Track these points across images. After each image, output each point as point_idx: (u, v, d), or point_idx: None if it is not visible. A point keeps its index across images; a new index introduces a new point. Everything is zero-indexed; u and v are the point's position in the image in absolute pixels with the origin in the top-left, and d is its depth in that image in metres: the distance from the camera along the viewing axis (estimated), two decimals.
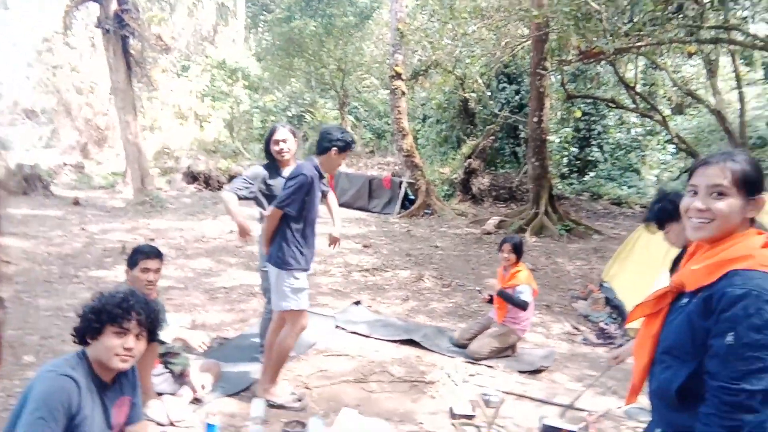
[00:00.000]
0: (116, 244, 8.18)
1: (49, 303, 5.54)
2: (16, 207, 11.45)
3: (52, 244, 8.31)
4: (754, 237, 1.62)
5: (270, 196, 4.20)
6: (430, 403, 3.91)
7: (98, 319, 2.21)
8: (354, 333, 5.11)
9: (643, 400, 3.95)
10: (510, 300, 4.69)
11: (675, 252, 3.13)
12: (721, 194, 1.61)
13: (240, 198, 4.19)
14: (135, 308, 2.24)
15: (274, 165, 4.26)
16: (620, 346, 5.03)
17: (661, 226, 3.06)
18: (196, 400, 3.70)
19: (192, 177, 15.89)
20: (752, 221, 1.66)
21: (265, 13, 21.36)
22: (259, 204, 4.28)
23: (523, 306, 4.68)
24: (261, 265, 4.29)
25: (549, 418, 3.45)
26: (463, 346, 4.83)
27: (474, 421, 3.65)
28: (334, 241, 4.29)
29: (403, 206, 13.10)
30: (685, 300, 1.68)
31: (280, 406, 3.68)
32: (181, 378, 3.73)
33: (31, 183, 13.13)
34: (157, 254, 3.57)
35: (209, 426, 3.15)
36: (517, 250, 4.78)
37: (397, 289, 6.64)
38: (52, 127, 20.39)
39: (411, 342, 4.92)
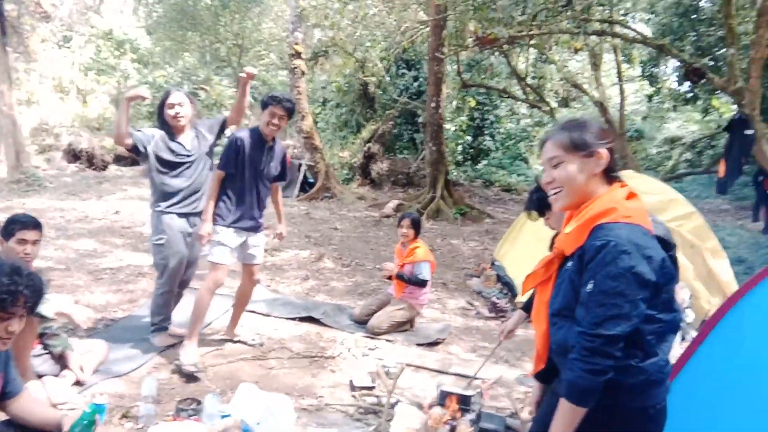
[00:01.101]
0: None
1: None
2: None
3: None
4: (617, 190, 1.73)
5: (165, 161, 4.01)
6: (331, 377, 3.91)
7: None
8: (252, 312, 4.99)
9: (529, 367, 4.18)
10: (409, 281, 4.80)
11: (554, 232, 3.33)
12: (558, 164, 1.76)
13: (134, 142, 3.99)
14: (23, 292, 2.04)
15: (168, 131, 4.05)
16: None
17: (541, 213, 3.20)
18: (79, 383, 3.48)
19: (73, 155, 14.81)
20: (612, 177, 1.76)
21: None
22: (150, 168, 4.05)
23: (422, 284, 4.81)
24: (154, 239, 4.08)
25: (446, 385, 3.56)
26: (363, 323, 4.87)
27: (374, 391, 3.70)
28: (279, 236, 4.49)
29: (303, 189, 12.97)
30: (569, 264, 1.77)
31: (178, 368, 3.73)
32: (61, 359, 3.48)
33: None
34: (35, 224, 3.30)
35: (95, 406, 2.95)
36: (416, 225, 4.89)
37: (296, 269, 6.57)
38: None
39: (311, 319, 4.90)
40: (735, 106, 15.69)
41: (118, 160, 15.26)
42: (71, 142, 14.99)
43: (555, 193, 1.78)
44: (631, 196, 1.74)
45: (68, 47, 20.19)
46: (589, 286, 1.61)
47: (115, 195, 10.94)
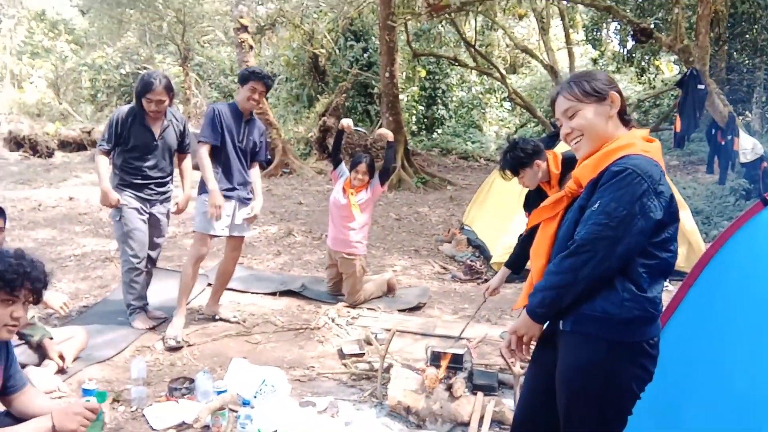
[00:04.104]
0: None
1: None
2: None
3: None
4: (635, 131, 1.80)
5: (133, 144, 3.92)
6: (318, 348, 3.91)
7: None
8: (229, 289, 4.91)
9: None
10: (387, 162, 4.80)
11: (527, 190, 3.37)
12: (573, 114, 1.81)
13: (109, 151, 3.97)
14: (31, 276, 1.96)
15: (141, 114, 3.94)
16: (486, 281, 5.39)
17: (515, 172, 3.21)
18: (62, 371, 3.37)
19: (15, 143, 14.11)
20: (626, 120, 1.83)
21: None
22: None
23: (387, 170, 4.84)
24: (114, 214, 4.04)
25: (435, 346, 3.60)
26: (338, 294, 4.86)
27: (364, 358, 3.72)
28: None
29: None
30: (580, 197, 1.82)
31: (163, 340, 3.83)
32: (39, 349, 3.36)
33: None
34: None
35: (86, 391, 2.88)
36: (372, 170, 4.73)
37: (267, 246, 6.50)
38: None
39: (290, 293, 4.87)
40: (676, 66, 16.23)
41: (64, 146, 14.63)
42: (11, 130, 14.27)
43: (577, 142, 1.83)
44: (649, 139, 1.79)
45: None
46: (595, 205, 1.65)
47: (67, 182, 10.52)
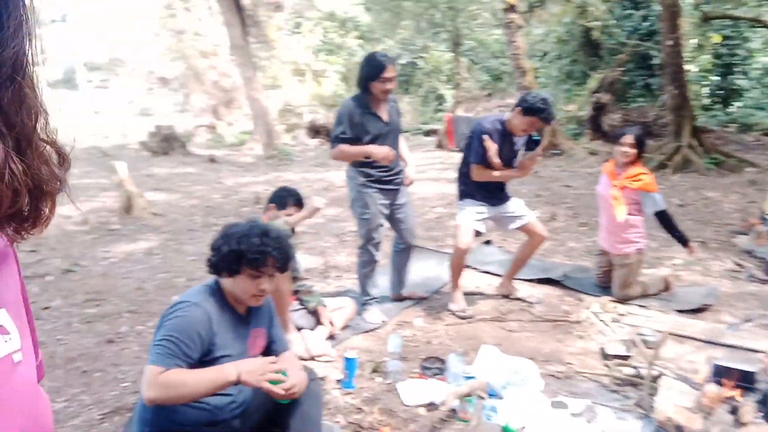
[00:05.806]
0: (250, 195, 8.58)
1: (194, 249, 5.83)
2: (158, 166, 12.31)
3: (193, 197, 8.84)
4: None
5: (361, 139, 3.72)
6: (578, 343, 3.64)
7: (237, 261, 2.17)
8: (486, 272, 4.90)
9: None
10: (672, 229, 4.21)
11: None
12: None
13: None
14: (273, 254, 2.19)
15: (366, 101, 3.71)
16: None
17: None
18: (332, 337, 3.70)
19: (314, 131, 16.22)
20: None
21: None
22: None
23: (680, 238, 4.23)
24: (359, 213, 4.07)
25: (720, 359, 3.06)
26: (606, 287, 4.43)
27: (629, 361, 3.34)
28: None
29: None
30: None
31: (451, 312, 4.07)
32: (314, 315, 3.74)
33: (170, 143, 14.04)
34: (297, 201, 3.74)
35: (348, 360, 3.11)
36: (641, 144, 4.11)
37: None
38: (185, 92, 21.60)
39: (549, 281, 4.63)
40: None
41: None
42: (312, 120, 16.42)
43: None
44: None
45: (299, 32, 22.08)
46: None
47: None
